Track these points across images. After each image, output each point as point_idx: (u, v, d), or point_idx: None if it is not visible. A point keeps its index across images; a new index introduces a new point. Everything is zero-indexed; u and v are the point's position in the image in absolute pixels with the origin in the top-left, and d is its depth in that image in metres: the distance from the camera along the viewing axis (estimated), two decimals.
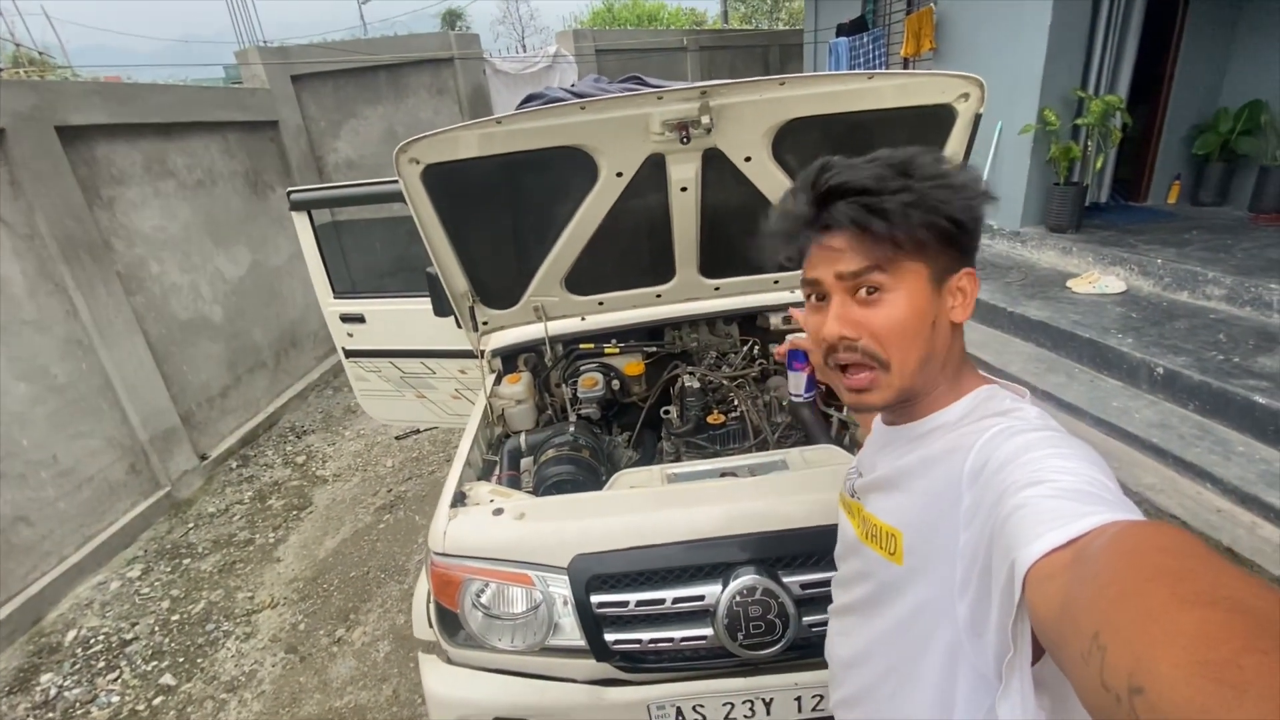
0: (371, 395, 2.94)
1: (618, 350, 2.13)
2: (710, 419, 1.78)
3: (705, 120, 1.41)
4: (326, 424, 4.47)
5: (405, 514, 3.26)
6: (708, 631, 1.29)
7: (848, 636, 0.78)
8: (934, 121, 1.53)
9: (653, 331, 2.18)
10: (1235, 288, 3.51)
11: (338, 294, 2.68)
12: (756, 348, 2.10)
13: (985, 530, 0.51)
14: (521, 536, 1.36)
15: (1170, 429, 2.86)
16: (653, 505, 1.38)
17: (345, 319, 2.69)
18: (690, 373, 1.95)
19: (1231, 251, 3.96)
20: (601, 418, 2.02)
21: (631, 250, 1.88)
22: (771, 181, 1.66)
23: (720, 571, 1.29)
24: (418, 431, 4.11)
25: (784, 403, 1.80)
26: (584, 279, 1.94)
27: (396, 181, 2.37)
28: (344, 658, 2.40)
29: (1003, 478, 0.52)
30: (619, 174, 1.59)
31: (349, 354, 2.79)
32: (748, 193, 1.70)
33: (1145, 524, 0.39)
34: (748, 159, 1.59)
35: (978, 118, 1.48)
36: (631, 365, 2.10)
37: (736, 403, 1.83)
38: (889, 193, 0.60)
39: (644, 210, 1.73)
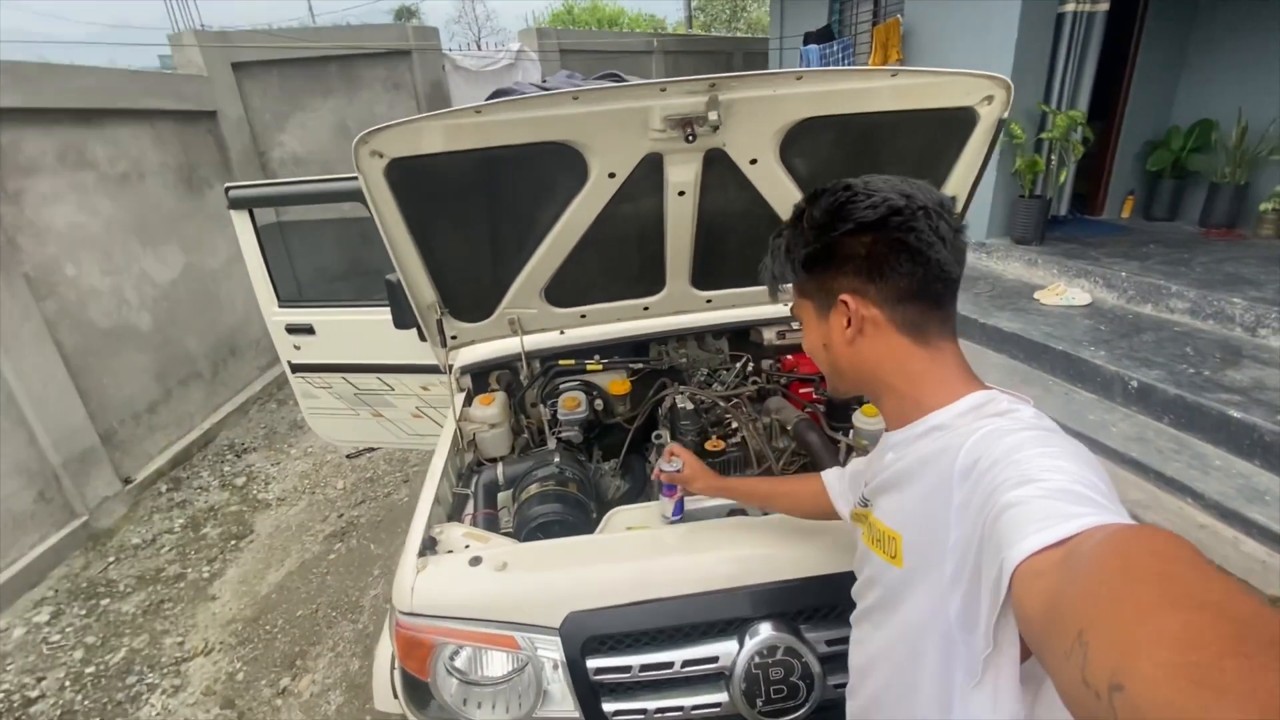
0: (320, 414, 2.67)
1: (600, 367, 1.95)
2: (709, 445, 1.62)
3: (713, 116, 1.25)
4: (270, 441, 4.13)
5: (359, 542, 2.99)
6: (722, 697, 1.13)
7: (861, 644, 0.80)
8: (953, 126, 1.42)
9: (637, 347, 2.01)
10: (1198, 301, 3.59)
11: (283, 302, 2.41)
12: (750, 365, 1.96)
13: (976, 527, 0.52)
14: (505, 591, 1.17)
15: (1148, 443, 2.87)
16: (656, 551, 1.21)
17: (291, 330, 2.43)
18: (681, 392, 1.79)
19: (1190, 265, 4.07)
20: (584, 441, 1.84)
21: (619, 259, 1.71)
22: (776, 187, 1.52)
23: (736, 628, 1.14)
24: (371, 450, 3.83)
25: (787, 426, 1.66)
26: (566, 289, 1.76)
27: (350, 178, 2.13)
28: (289, 711, 2.14)
29: (993, 475, 0.52)
30: (611, 175, 1.42)
31: (295, 369, 2.53)
32: (749, 199, 1.55)
33: (1137, 527, 0.40)
34: (753, 161, 1.44)
35: (1001, 123, 1.38)
36: (616, 383, 1.93)
37: (736, 426, 1.67)
38: (771, 260, 0.79)
39: (635, 215, 1.56)
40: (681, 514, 1.33)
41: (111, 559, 3.03)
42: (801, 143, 1.43)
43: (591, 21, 19.44)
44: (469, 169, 1.37)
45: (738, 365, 1.96)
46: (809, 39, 6.55)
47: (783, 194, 1.53)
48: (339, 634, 2.44)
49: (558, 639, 1.14)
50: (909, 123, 1.40)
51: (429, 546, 1.30)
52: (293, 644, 2.41)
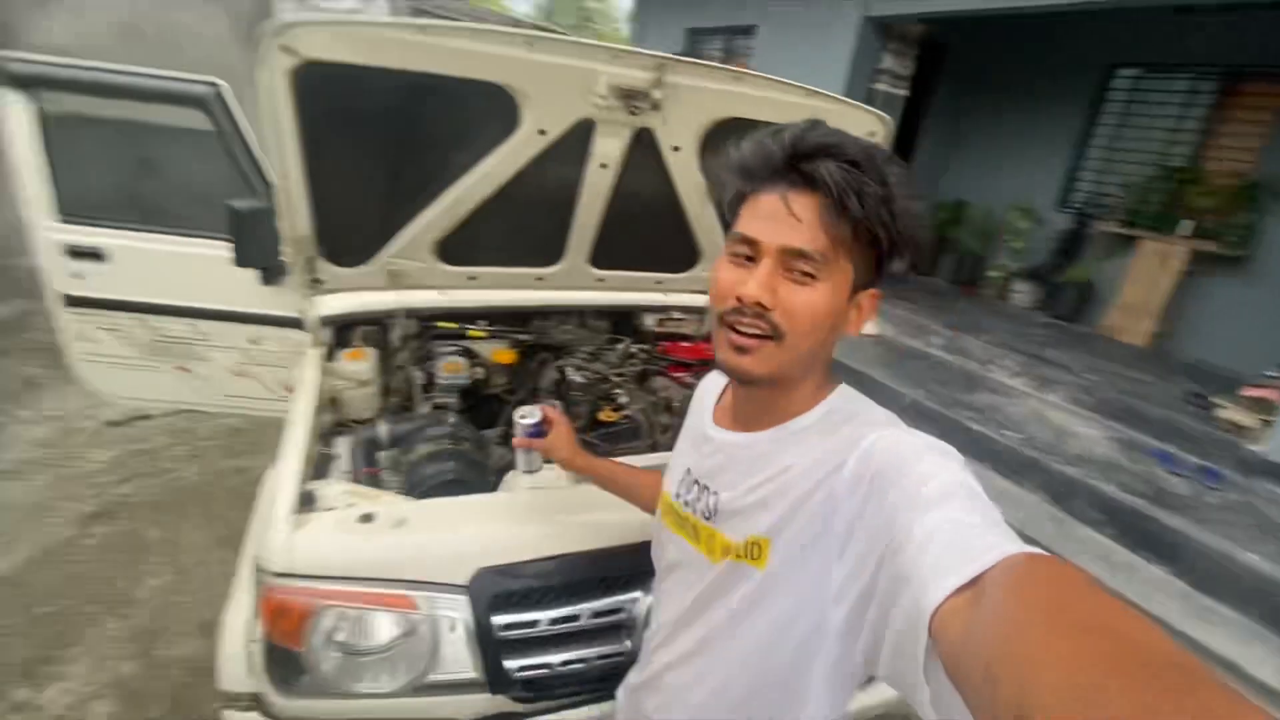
0: (100, 362, 2.17)
1: (484, 334, 1.88)
2: (602, 415, 1.66)
3: (656, 95, 1.31)
4: None
5: (131, 524, 2.45)
6: (625, 646, 1.17)
7: (688, 653, 0.75)
8: None
9: (519, 318, 1.97)
10: (950, 340, 4.51)
11: (66, 215, 1.92)
12: (632, 347, 2.04)
13: (874, 550, 0.52)
14: (406, 548, 1.09)
15: None
16: (564, 509, 1.22)
17: (74, 253, 1.94)
18: (577, 366, 1.80)
19: (945, 312, 5.09)
20: (460, 410, 1.76)
21: (525, 222, 1.68)
22: (688, 178, 1.62)
23: (640, 580, 1.18)
24: (146, 418, 3.16)
25: (671, 403, 1.76)
26: (461, 246, 1.67)
27: (186, 81, 1.81)
28: None
29: (890, 499, 0.52)
30: (541, 131, 1.40)
31: (73, 302, 2.02)
32: (661, 184, 1.63)
33: (1035, 559, 0.42)
34: (676, 149, 1.52)
35: None
36: (501, 352, 1.86)
37: (628, 400, 1.73)
38: (872, 178, 0.58)
39: (552, 180, 1.55)
40: (533, 470, 1.13)
41: None
42: (718, 141, 1.55)
43: None
44: (391, 91, 1.26)
45: (620, 346, 2.02)
46: None
47: (691, 187, 1.64)
48: (102, 633, 1.98)
49: (465, 597, 1.09)
50: None
51: (306, 502, 1.15)
52: (33, 648, 1.90)
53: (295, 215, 1.42)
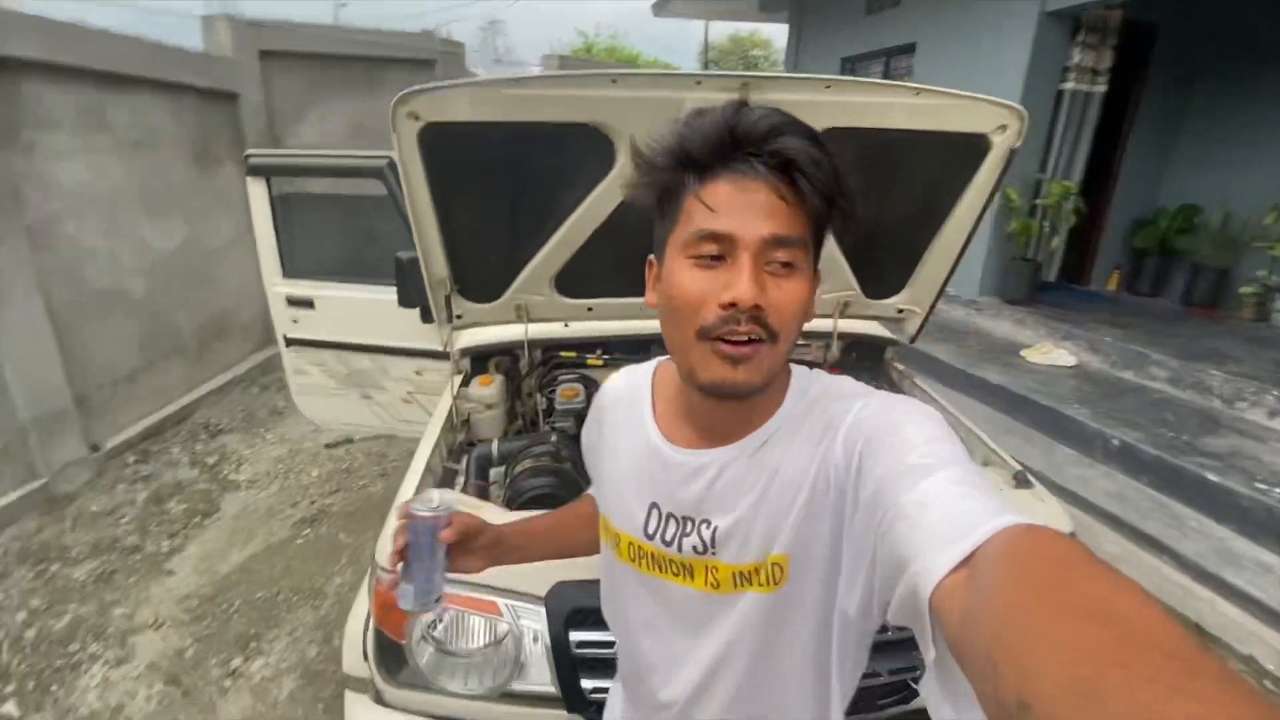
0: (309, 392, 2.64)
1: (601, 363, 1.96)
2: None
3: None
4: (247, 424, 4.04)
5: (328, 530, 2.91)
6: None
7: (737, 697, 0.67)
8: (967, 151, 1.48)
9: (638, 345, 2.02)
10: (1179, 371, 3.69)
11: (287, 274, 2.41)
12: None
13: (869, 527, 0.51)
14: None
15: (1127, 500, 2.90)
16: None
17: (292, 302, 2.42)
18: None
19: (1172, 338, 4.19)
20: (577, 434, 1.84)
21: (633, 253, 1.73)
22: None
23: None
24: (350, 441, 3.76)
25: None
26: (576, 280, 1.78)
27: (368, 156, 2.16)
28: (237, 694, 2.04)
29: (878, 472, 0.51)
30: None
31: (290, 342, 2.50)
32: None
33: (1029, 530, 0.40)
34: None
35: (1012, 153, 1.44)
36: None
37: None
38: (825, 151, 0.54)
39: None
40: (438, 596, 0.68)
41: (68, 524, 2.91)
42: None
43: (611, 61, 20.09)
44: (501, 143, 1.40)
45: None
46: None
47: None
48: (299, 619, 2.35)
49: (542, 609, 1.12)
50: (925, 144, 1.45)
51: None
52: (249, 625, 2.32)
53: (433, 258, 1.63)
